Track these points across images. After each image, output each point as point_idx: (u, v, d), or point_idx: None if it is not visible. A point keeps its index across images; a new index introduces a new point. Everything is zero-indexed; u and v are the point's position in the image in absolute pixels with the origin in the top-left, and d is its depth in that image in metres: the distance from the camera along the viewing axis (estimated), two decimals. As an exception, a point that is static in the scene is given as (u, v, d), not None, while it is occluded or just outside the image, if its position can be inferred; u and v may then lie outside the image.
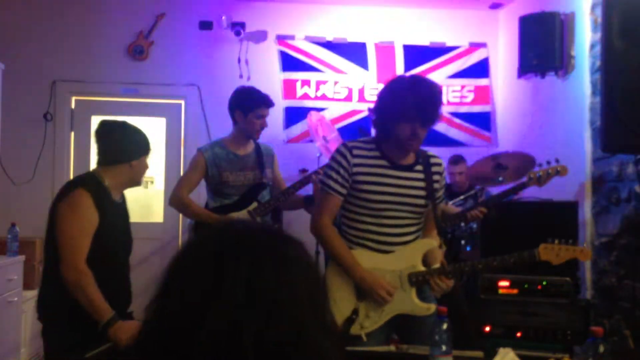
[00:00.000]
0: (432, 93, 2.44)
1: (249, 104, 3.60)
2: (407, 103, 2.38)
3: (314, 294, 0.95)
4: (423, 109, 2.41)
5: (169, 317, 0.91)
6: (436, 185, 2.59)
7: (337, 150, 2.56)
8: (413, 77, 2.54)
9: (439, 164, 2.63)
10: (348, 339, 2.44)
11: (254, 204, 3.60)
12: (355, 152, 2.52)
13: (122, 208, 2.71)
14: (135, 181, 2.71)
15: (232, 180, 3.60)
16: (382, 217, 2.50)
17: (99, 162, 2.65)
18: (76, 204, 2.45)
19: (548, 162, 3.47)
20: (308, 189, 3.73)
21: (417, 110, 2.39)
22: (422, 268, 2.51)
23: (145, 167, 2.70)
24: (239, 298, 0.87)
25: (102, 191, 2.55)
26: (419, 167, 2.57)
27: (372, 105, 2.62)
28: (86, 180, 2.56)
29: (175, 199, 3.65)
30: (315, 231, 2.58)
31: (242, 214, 3.58)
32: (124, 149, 2.61)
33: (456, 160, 4.78)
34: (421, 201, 2.54)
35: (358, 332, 2.46)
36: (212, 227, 1.02)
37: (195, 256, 0.95)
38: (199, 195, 3.91)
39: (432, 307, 2.49)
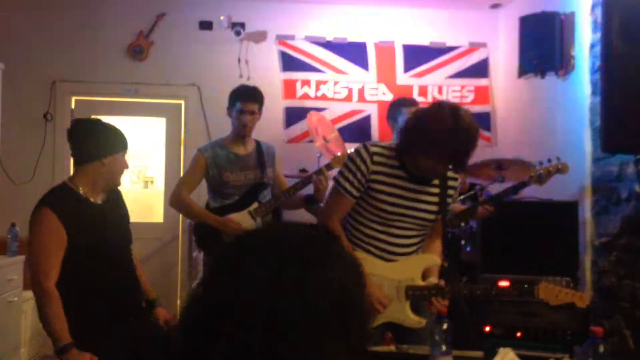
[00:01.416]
0: (470, 142, 2.29)
1: (231, 99, 3.61)
2: (441, 145, 2.27)
3: (346, 304, 0.93)
4: (457, 155, 2.32)
5: (191, 328, 0.92)
6: (449, 200, 2.58)
7: (357, 152, 2.48)
8: (453, 114, 2.27)
9: (456, 179, 2.59)
10: None
11: (255, 204, 3.60)
12: (377, 158, 2.45)
13: (108, 207, 2.66)
14: (111, 180, 2.65)
15: (232, 180, 3.59)
16: (391, 226, 2.50)
17: (74, 163, 2.62)
18: (39, 224, 2.45)
19: (549, 160, 3.47)
20: (308, 189, 3.73)
21: (450, 155, 2.31)
22: (421, 282, 2.52)
23: (121, 165, 2.64)
24: (248, 311, 0.88)
25: (70, 201, 2.52)
26: (435, 182, 2.53)
27: (404, 125, 2.45)
28: (51, 197, 2.54)
29: (176, 199, 3.65)
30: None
31: (242, 215, 3.57)
32: (93, 146, 2.57)
33: None
34: (432, 216, 2.54)
35: None
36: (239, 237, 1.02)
37: (219, 268, 0.96)
38: (199, 195, 3.90)
39: (423, 321, 2.49)
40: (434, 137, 2.27)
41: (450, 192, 2.56)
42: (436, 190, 2.52)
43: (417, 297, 2.50)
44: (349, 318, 0.92)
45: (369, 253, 2.51)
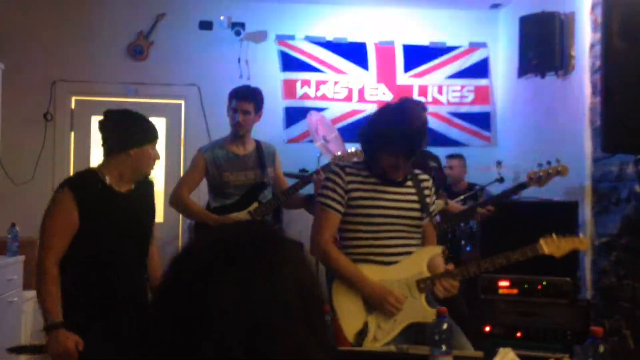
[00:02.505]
0: (417, 127, 2.49)
1: (228, 98, 3.64)
2: (392, 137, 2.44)
3: (306, 299, 0.94)
4: (407, 145, 2.46)
5: (159, 342, 0.91)
6: (428, 200, 2.63)
7: (331, 171, 2.63)
8: (400, 108, 2.54)
9: (427, 180, 2.69)
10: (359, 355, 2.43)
11: (255, 204, 3.60)
12: (348, 170, 2.58)
13: (132, 197, 2.65)
14: (140, 172, 2.63)
15: (232, 180, 3.60)
16: (382, 231, 2.53)
17: (103, 153, 2.64)
18: (55, 204, 2.48)
19: (548, 162, 3.47)
20: (309, 189, 3.73)
21: (401, 146, 2.45)
22: (429, 274, 2.52)
23: (150, 156, 2.62)
24: (226, 324, 0.87)
25: (93, 187, 2.53)
26: (409, 183, 2.62)
27: (360, 131, 2.66)
28: (76, 179, 2.57)
29: (175, 199, 3.65)
30: (317, 250, 2.57)
31: (242, 214, 3.57)
32: (121, 137, 2.57)
33: (452, 155, 4.81)
34: (417, 214, 2.58)
35: (371, 345, 2.43)
36: (195, 243, 1.02)
37: (182, 278, 0.94)
38: (199, 195, 3.90)
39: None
40: (382, 127, 2.49)
41: (426, 192, 2.64)
42: (412, 190, 2.61)
43: (430, 288, 2.51)
44: (310, 311, 0.94)
45: (370, 262, 2.53)
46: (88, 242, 2.49)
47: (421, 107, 2.51)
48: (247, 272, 0.91)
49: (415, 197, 2.59)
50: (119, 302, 2.54)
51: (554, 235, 2.49)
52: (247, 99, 3.59)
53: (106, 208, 2.54)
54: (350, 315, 2.47)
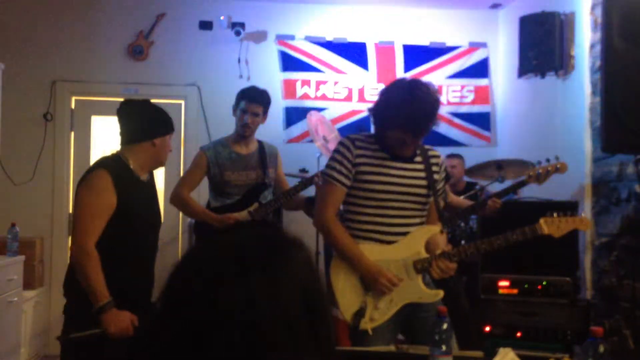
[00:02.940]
0: (428, 105, 2.45)
1: (237, 98, 3.65)
2: (401, 113, 2.41)
3: (313, 310, 0.94)
4: (416, 122, 2.44)
5: (162, 342, 0.91)
6: (436, 177, 2.62)
7: (340, 143, 2.59)
8: (411, 85, 2.50)
9: (437, 156, 2.67)
10: (355, 337, 2.45)
11: (255, 205, 3.60)
12: (358, 143, 2.56)
13: (150, 186, 2.71)
14: (159, 161, 2.69)
15: (234, 180, 3.60)
16: (386, 207, 2.52)
17: (122, 142, 2.65)
18: (93, 185, 2.47)
19: (548, 160, 3.46)
20: (310, 191, 3.73)
21: (409, 122, 2.43)
22: (426, 255, 2.52)
23: (168, 147, 2.68)
24: (233, 333, 0.87)
25: (124, 171, 2.55)
26: (418, 159, 2.60)
27: (371, 105, 2.65)
28: (108, 161, 2.57)
29: (176, 198, 3.66)
30: (319, 224, 2.59)
31: (242, 215, 3.57)
32: (145, 126, 2.61)
33: (452, 155, 4.81)
34: (423, 191, 2.57)
35: (367, 325, 2.46)
36: (200, 247, 1.02)
37: (192, 286, 0.93)
38: (200, 195, 3.90)
39: (440, 292, 2.50)
40: (393, 101, 2.44)
41: (435, 168, 2.62)
42: (420, 166, 2.59)
43: (427, 269, 2.51)
44: (316, 320, 0.94)
45: (371, 240, 2.53)
46: (118, 226, 2.48)
47: (432, 87, 2.49)
48: (256, 283, 0.90)
49: (422, 174, 2.58)
50: (137, 288, 2.55)
51: (555, 214, 2.48)
52: (257, 102, 3.62)
53: (135, 193, 2.57)
54: (347, 295, 2.49)
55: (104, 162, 2.56)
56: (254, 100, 3.60)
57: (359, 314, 2.45)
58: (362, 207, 2.55)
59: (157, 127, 2.62)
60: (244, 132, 3.62)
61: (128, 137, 2.62)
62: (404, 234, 2.54)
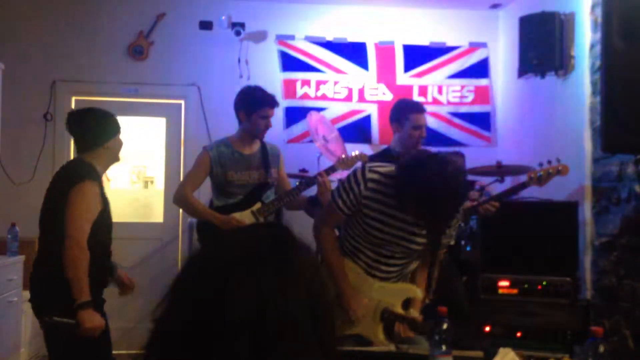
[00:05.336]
0: (460, 191, 2.35)
1: (252, 104, 3.61)
2: (436, 205, 2.28)
3: (317, 313, 0.95)
4: (444, 218, 2.39)
5: (170, 342, 0.91)
6: (443, 240, 2.56)
7: (355, 175, 2.51)
8: (440, 172, 2.25)
9: (456, 218, 2.56)
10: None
11: (258, 204, 3.61)
12: (370, 185, 2.46)
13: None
14: (115, 159, 2.95)
15: (236, 180, 3.61)
16: (380, 247, 2.55)
17: (79, 150, 2.88)
18: (87, 194, 2.70)
19: (549, 162, 3.46)
20: (311, 190, 3.73)
21: (437, 215, 2.34)
22: (399, 310, 2.55)
23: (120, 144, 2.92)
24: (238, 335, 0.88)
25: (99, 178, 2.81)
26: None
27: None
28: (92, 171, 2.79)
29: (179, 197, 3.66)
30: (314, 235, 2.65)
31: (245, 214, 3.58)
32: (97, 134, 2.83)
33: (453, 152, 4.79)
34: (419, 247, 2.56)
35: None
36: (210, 246, 1.03)
37: (199, 288, 0.94)
38: (201, 194, 3.91)
39: (392, 347, 2.44)
40: (426, 192, 2.26)
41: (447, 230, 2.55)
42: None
43: (390, 322, 2.55)
44: (320, 322, 0.95)
45: (358, 266, 2.59)
46: (98, 228, 2.72)
47: (459, 159, 2.40)
48: (264, 283, 0.91)
49: (424, 231, 2.50)
50: (101, 286, 2.81)
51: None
52: (275, 107, 3.68)
53: (105, 196, 2.83)
54: None
55: (88, 174, 2.75)
56: (273, 105, 3.64)
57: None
58: (359, 237, 2.58)
59: (105, 132, 2.84)
60: (263, 137, 3.67)
61: (83, 146, 2.85)
62: (392, 272, 2.59)
